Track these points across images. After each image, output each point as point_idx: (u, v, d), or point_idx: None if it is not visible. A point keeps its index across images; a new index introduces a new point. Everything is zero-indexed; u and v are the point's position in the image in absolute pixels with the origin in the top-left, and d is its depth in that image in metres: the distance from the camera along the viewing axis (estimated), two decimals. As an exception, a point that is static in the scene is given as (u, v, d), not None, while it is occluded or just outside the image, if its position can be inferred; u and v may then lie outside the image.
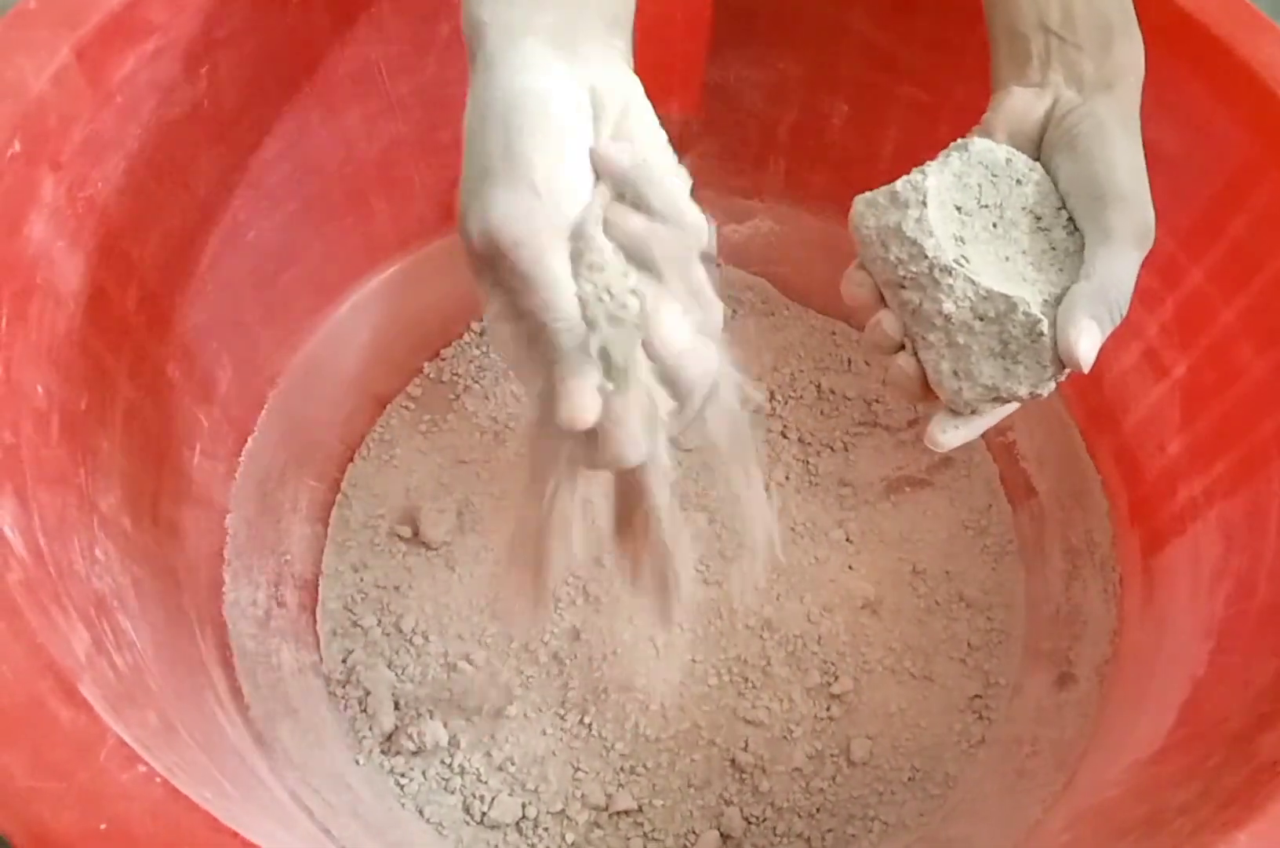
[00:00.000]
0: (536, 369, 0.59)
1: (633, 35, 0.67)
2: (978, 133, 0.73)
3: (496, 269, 0.57)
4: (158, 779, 0.54)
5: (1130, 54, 0.73)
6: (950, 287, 0.66)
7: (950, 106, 0.99)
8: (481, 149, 0.58)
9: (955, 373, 0.69)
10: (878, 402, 1.18)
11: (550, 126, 0.58)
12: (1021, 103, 0.72)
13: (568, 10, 0.61)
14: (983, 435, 1.14)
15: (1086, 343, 0.65)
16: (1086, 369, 0.66)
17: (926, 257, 0.66)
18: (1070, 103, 0.71)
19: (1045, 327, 0.66)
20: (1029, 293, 0.66)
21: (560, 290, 0.57)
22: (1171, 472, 0.97)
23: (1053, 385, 0.69)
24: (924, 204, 0.67)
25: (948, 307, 0.67)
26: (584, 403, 0.56)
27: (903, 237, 0.67)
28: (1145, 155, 0.70)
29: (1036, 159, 0.72)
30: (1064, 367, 0.68)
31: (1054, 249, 0.69)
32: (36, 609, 0.60)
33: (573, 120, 0.59)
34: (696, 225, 0.60)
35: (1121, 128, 0.70)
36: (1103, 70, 0.71)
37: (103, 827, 0.52)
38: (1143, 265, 0.67)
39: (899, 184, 0.68)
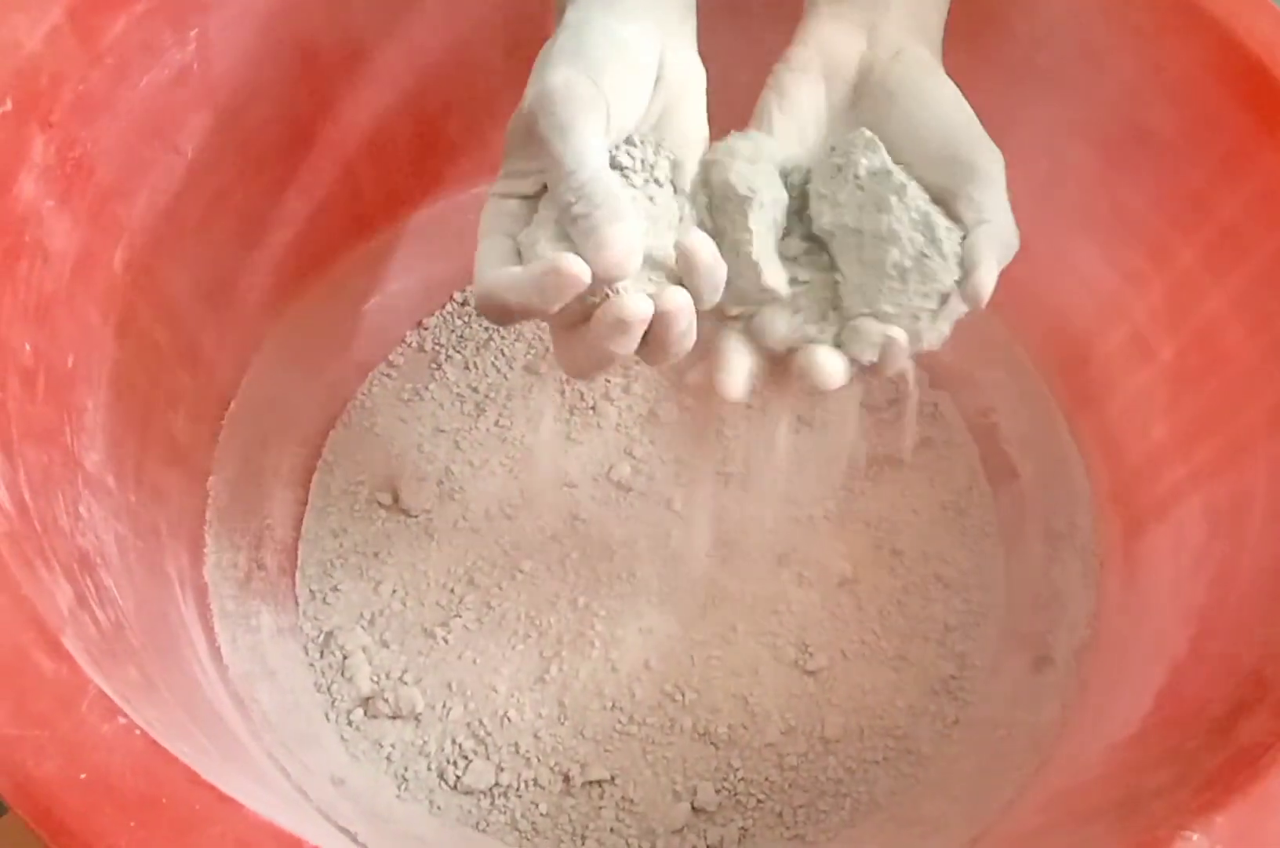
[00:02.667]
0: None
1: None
2: (782, 71, 0.73)
3: (533, 132, 0.60)
4: (138, 732, 0.54)
5: None
6: None
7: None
8: (549, 54, 0.62)
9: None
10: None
11: (622, 53, 0.62)
12: (840, 37, 0.72)
13: None
14: (964, 416, 1.14)
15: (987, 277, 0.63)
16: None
17: None
18: (891, 42, 0.70)
19: None
20: None
21: (597, 150, 0.59)
22: (1155, 456, 0.97)
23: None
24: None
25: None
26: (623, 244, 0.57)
27: None
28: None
29: (853, 106, 0.71)
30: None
31: None
32: (21, 562, 0.60)
33: (643, 61, 0.64)
34: None
35: (936, 61, 0.71)
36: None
37: (83, 776, 0.52)
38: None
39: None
